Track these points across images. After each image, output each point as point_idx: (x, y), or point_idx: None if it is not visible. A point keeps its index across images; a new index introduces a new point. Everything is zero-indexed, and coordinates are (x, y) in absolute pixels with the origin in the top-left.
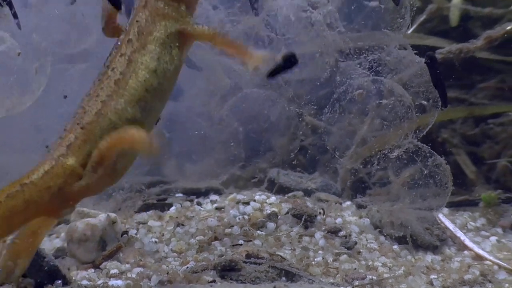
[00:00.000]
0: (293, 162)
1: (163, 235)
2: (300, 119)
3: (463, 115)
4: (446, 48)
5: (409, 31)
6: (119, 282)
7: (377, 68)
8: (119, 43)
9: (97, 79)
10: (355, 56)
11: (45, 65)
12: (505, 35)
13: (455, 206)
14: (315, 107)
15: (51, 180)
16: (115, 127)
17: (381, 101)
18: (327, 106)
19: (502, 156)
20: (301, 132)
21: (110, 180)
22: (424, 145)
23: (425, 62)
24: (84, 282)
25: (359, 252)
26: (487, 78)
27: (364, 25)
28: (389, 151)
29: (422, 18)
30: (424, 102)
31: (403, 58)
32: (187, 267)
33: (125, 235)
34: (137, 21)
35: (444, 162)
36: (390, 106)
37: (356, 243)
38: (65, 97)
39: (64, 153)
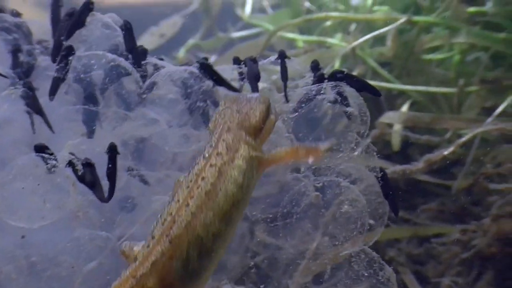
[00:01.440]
0: (244, 279)
1: None
2: (252, 236)
3: (408, 235)
4: (391, 169)
5: (356, 153)
6: None
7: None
8: (206, 155)
9: (185, 185)
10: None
11: None
12: (443, 160)
13: None
14: (268, 224)
15: None
16: (201, 242)
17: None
18: (278, 220)
19: (445, 275)
20: (253, 249)
21: None
22: (376, 254)
23: (376, 176)
24: None
25: None
26: (428, 201)
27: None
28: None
29: (367, 142)
30: (372, 221)
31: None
32: None
33: None
34: (223, 139)
35: (394, 276)
36: (346, 213)
37: None
38: (23, 237)
39: (147, 272)
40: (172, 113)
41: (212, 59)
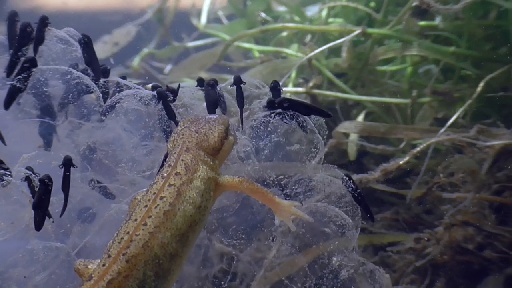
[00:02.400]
0: None
1: None
2: (209, 246)
3: (363, 243)
4: None
5: (313, 162)
6: None
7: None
8: (164, 175)
9: (142, 204)
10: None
11: None
12: (398, 169)
13: None
14: (226, 234)
15: None
16: (158, 262)
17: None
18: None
19: (400, 283)
20: (210, 259)
21: None
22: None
23: (342, 181)
24: None
25: None
26: (383, 209)
27: (274, 155)
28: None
29: (323, 151)
30: (328, 230)
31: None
32: None
33: None
34: (182, 159)
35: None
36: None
37: None
38: None
39: None
40: (130, 121)
41: (167, 68)
